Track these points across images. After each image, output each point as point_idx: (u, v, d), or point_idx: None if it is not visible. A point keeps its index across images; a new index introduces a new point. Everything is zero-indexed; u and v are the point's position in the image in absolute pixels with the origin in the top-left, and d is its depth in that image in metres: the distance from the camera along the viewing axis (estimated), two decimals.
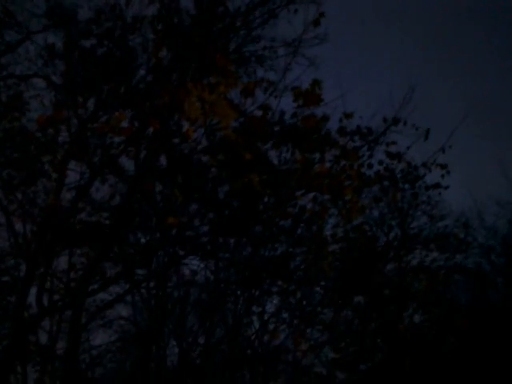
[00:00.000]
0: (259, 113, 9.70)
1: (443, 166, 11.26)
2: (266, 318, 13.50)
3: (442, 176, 11.38)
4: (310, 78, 9.34)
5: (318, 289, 12.28)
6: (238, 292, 12.91)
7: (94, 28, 9.45)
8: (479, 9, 39.88)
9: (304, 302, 13.12)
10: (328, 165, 10.52)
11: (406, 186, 12.08)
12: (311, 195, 11.05)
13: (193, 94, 8.21)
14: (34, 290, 11.12)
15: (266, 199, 10.30)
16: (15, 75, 10.99)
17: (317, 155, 10.33)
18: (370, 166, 11.15)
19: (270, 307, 13.48)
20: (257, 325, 13.96)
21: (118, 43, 9.51)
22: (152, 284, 12.71)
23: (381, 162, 11.35)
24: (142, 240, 11.87)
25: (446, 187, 11.82)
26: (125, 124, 10.04)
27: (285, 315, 13.95)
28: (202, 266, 12.46)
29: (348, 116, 9.94)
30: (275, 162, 10.24)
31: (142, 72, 9.90)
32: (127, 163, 11.20)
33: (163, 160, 10.62)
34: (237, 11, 9.55)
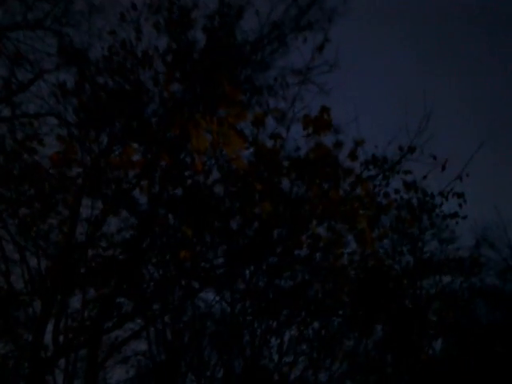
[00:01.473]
0: (271, 142, 9.75)
1: (460, 195, 11.20)
2: (284, 349, 13.32)
3: (460, 205, 11.32)
4: (320, 105, 9.38)
5: (336, 318, 12.12)
6: (255, 323, 12.78)
7: (106, 64, 9.57)
8: (495, 33, 40.07)
9: (323, 332, 12.95)
10: (342, 193, 10.48)
11: (424, 215, 12.01)
12: (326, 223, 11.00)
13: (201, 126, 8.25)
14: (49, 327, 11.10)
15: (279, 228, 10.26)
16: (29, 114, 11.13)
17: (330, 183, 10.30)
18: (386, 194, 11.11)
19: (289, 338, 13.33)
20: (275, 356, 13.77)
21: (129, 78, 9.62)
22: (167, 318, 12.63)
23: (397, 191, 11.31)
24: (156, 274, 11.81)
25: (464, 217, 11.75)
26: (137, 157, 10.13)
27: (303, 346, 13.77)
28: (217, 298, 12.39)
29: (359, 143, 9.93)
30: (288, 190, 10.23)
31: (154, 105, 9.98)
32: (140, 197, 11.27)
33: (176, 192, 10.66)
34: (246, 41, 9.65)
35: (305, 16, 9.92)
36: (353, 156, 10.02)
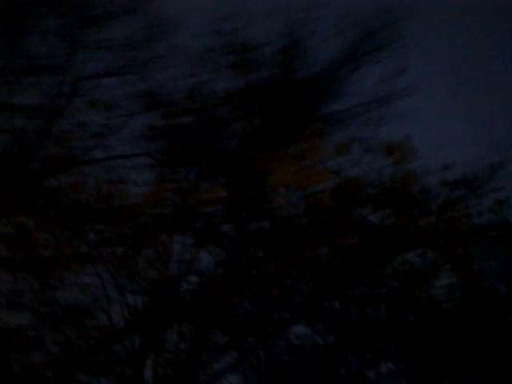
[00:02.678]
0: (354, 170, 9.63)
1: None
2: (380, 383, 12.85)
3: None
4: (403, 131, 9.20)
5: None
6: (350, 356, 12.47)
7: (188, 105, 9.87)
8: None
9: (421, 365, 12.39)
10: (433, 219, 10.15)
11: None
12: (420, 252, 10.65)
13: (284, 161, 8.31)
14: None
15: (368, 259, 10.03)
16: (121, 155, 11.59)
17: (419, 210, 10.01)
18: (480, 214, 10.62)
19: (386, 371, 12.84)
20: None
21: (210, 117, 9.86)
22: (261, 351, 12.59)
23: (491, 210, 10.78)
24: (249, 308, 11.85)
25: None
26: (223, 193, 10.32)
27: (401, 379, 13.21)
28: (309, 330, 12.22)
29: (446, 168, 9.60)
30: (375, 220, 10.02)
31: (235, 142, 10.16)
32: (229, 231, 11.41)
33: (263, 226, 10.72)
34: (319, 72, 9.65)
35: (377, 42, 9.81)
36: (444, 183, 9.72)
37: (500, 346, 11.31)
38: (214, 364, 12.39)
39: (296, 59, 10.16)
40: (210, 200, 10.03)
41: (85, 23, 10.38)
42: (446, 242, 10.00)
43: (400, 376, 12.71)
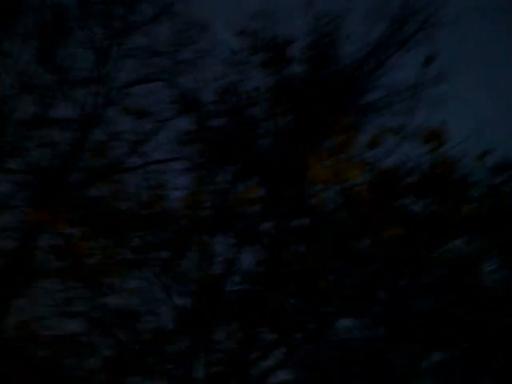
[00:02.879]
0: (390, 160, 9.49)
1: None
2: (432, 372, 12.65)
3: None
4: (439, 117, 9.01)
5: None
6: (400, 347, 12.33)
7: (218, 107, 9.91)
8: None
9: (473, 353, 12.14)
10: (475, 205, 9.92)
11: None
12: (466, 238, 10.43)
13: (318, 159, 8.25)
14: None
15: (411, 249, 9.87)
16: (157, 161, 11.76)
17: (460, 197, 9.79)
18: None
19: (436, 361, 12.64)
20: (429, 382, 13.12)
21: (241, 117, 9.87)
22: (309, 346, 12.60)
23: None
24: (295, 303, 11.85)
25: None
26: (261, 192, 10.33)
27: (453, 368, 12.99)
28: (356, 323, 12.14)
29: (486, 153, 9.35)
30: (416, 209, 9.84)
31: (268, 140, 10.15)
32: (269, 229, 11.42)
33: (302, 222, 10.67)
34: (347, 65, 9.53)
35: (406, 30, 9.60)
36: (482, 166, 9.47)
37: None
38: (264, 361, 12.47)
39: (326, 52, 10.07)
40: (249, 199, 10.04)
41: (115, 33, 10.54)
42: (492, 227, 9.76)
43: (452, 365, 12.51)
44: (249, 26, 10.12)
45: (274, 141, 9.89)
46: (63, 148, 10.69)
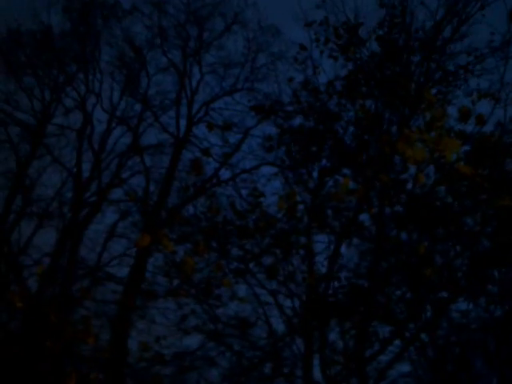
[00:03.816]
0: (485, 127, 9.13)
1: None
2: None
3: None
4: None
5: None
6: None
7: (296, 107, 9.95)
8: None
9: None
10: None
11: None
12: None
13: (413, 138, 8.03)
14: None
15: None
16: (246, 169, 11.95)
17: None
18: None
19: None
20: None
21: (322, 111, 9.85)
22: (425, 335, 12.29)
23: None
24: (402, 294, 11.62)
25: None
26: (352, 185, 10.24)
27: None
28: (471, 306, 11.71)
29: None
30: None
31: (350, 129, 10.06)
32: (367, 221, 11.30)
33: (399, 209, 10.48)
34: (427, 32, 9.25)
35: None
36: None
37: None
38: (381, 356, 12.29)
39: (398, 29, 9.86)
40: (342, 193, 9.98)
41: (193, 53, 10.86)
42: None
43: None
44: (316, 16, 10.09)
45: (357, 130, 9.78)
46: (155, 173, 11.07)
